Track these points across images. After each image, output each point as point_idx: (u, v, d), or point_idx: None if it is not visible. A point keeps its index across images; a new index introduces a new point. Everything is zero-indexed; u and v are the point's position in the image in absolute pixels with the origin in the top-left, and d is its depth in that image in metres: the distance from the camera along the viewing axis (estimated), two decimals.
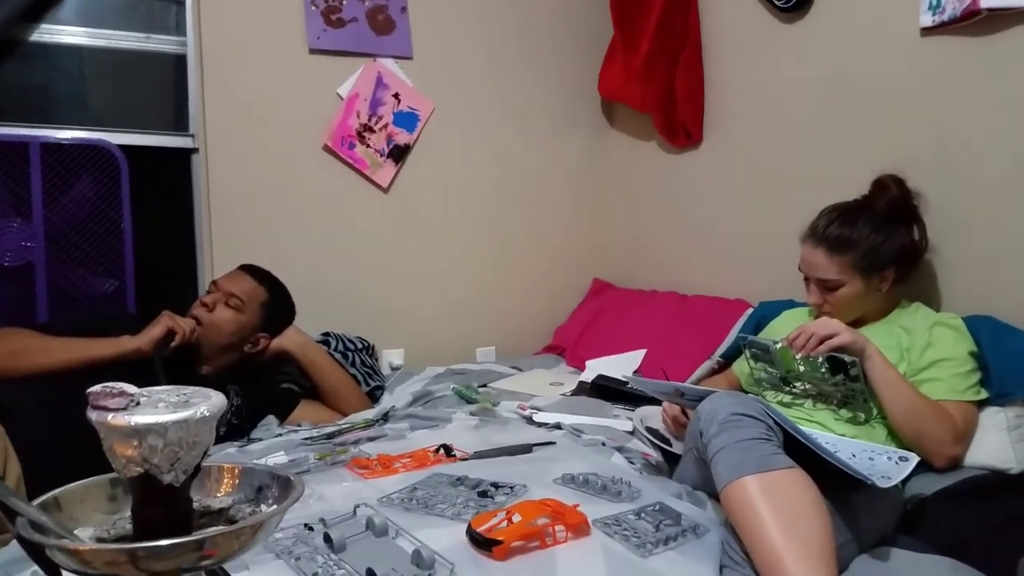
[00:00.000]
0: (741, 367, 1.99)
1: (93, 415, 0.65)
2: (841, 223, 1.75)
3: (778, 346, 1.74)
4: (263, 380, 2.26)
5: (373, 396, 2.44)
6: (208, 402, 0.67)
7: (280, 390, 2.27)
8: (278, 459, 1.73)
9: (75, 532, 0.71)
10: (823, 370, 1.68)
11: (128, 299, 2.36)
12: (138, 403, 0.66)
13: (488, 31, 2.94)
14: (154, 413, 0.65)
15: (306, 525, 1.28)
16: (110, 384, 0.66)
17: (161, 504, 0.68)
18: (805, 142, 2.30)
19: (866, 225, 1.74)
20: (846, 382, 1.64)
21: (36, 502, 0.70)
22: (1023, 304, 1.73)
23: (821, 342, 1.59)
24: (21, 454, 1.56)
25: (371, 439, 1.87)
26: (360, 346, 2.58)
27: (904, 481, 1.47)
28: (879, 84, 2.06)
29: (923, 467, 1.56)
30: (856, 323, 1.76)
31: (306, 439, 1.88)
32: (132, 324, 1.96)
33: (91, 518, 0.73)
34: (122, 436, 0.65)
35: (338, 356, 2.44)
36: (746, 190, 2.55)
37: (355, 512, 1.34)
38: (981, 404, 1.65)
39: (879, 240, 1.73)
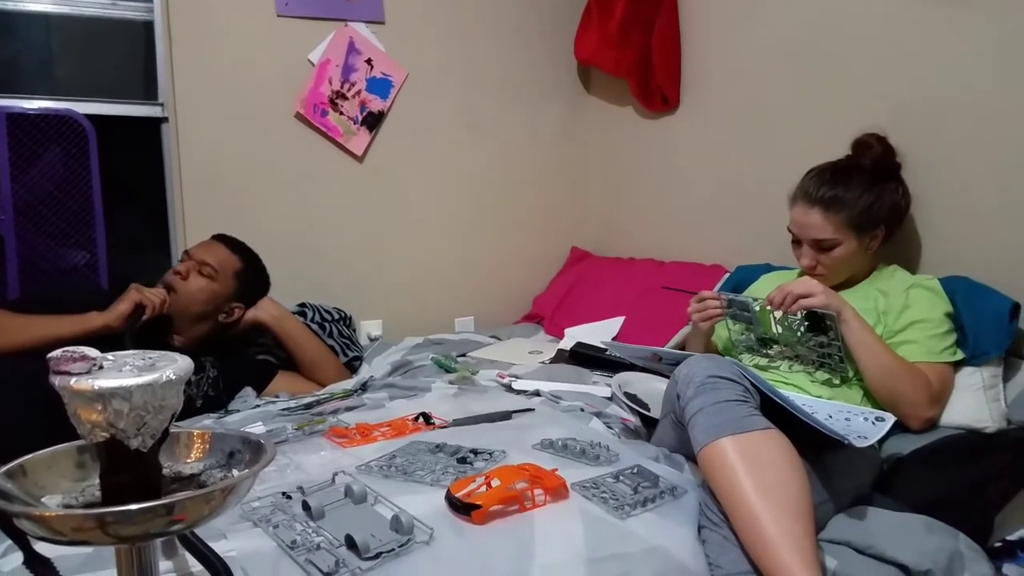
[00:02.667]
0: (718, 332, 1.99)
1: (56, 380, 0.64)
2: (834, 183, 1.74)
3: (758, 304, 1.74)
4: (239, 352, 2.25)
5: (351, 367, 2.43)
6: (174, 365, 0.66)
7: (257, 362, 2.25)
8: (256, 429, 1.72)
9: (43, 500, 0.69)
10: (801, 330, 1.68)
11: (100, 271, 2.33)
12: (101, 367, 0.65)
13: None
14: (118, 377, 0.63)
15: (284, 494, 1.28)
16: (71, 348, 0.64)
17: (129, 469, 0.66)
18: (782, 105, 2.29)
19: (859, 184, 1.73)
20: (825, 344, 1.65)
21: (1, 470, 0.68)
22: (998, 264, 1.74)
23: (797, 300, 1.60)
24: None
25: (349, 409, 1.86)
26: (337, 317, 2.57)
27: (881, 441, 1.48)
28: (856, 45, 2.05)
29: (899, 427, 1.57)
30: (836, 287, 1.76)
31: (284, 410, 1.86)
32: (105, 299, 1.93)
33: (59, 485, 0.72)
34: (86, 400, 0.63)
35: (315, 327, 2.42)
36: (723, 155, 2.54)
37: (334, 480, 1.33)
38: (957, 365, 1.66)
39: (872, 198, 1.72)
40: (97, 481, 0.71)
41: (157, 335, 1.99)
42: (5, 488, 0.65)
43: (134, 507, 0.62)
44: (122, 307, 1.86)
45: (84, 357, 0.64)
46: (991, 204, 1.77)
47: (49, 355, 0.64)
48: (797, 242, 1.80)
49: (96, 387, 0.62)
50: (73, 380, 0.63)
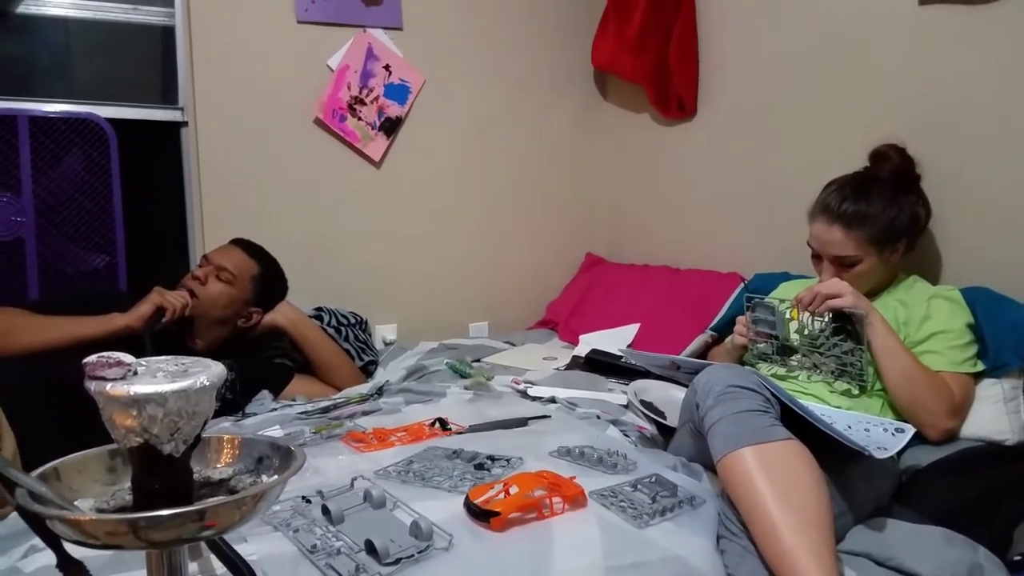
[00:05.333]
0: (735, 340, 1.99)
1: (91, 385, 0.64)
2: (856, 198, 1.72)
3: (785, 305, 1.74)
4: (256, 355, 2.26)
5: (367, 371, 2.44)
6: (208, 372, 0.67)
7: (274, 365, 2.26)
8: (273, 433, 1.73)
9: (75, 503, 0.70)
10: (827, 332, 1.68)
11: (120, 274, 2.34)
12: (135, 373, 0.65)
13: (479, 1, 2.91)
14: (153, 383, 0.64)
15: (304, 498, 1.28)
16: (106, 354, 0.65)
17: (161, 474, 0.67)
18: (800, 113, 2.29)
19: (880, 198, 1.72)
20: (848, 349, 1.64)
21: (35, 473, 0.69)
22: (1019, 275, 1.74)
23: (825, 301, 1.61)
24: (15, 431, 1.55)
25: (366, 413, 1.87)
26: (353, 321, 2.57)
27: (899, 453, 1.47)
28: (874, 52, 2.05)
29: (918, 439, 1.57)
30: None
31: (301, 413, 1.87)
32: (123, 301, 1.95)
33: (90, 489, 0.73)
34: (121, 406, 0.64)
35: (331, 331, 2.43)
36: (740, 162, 2.54)
37: (352, 485, 1.34)
38: (977, 376, 1.66)
39: (894, 212, 1.71)
40: (127, 485, 0.72)
41: (177, 339, 2.00)
42: (39, 491, 0.66)
43: (167, 512, 0.63)
44: (143, 309, 1.88)
45: (119, 363, 0.64)
46: (1012, 214, 1.77)
47: (85, 360, 0.65)
48: (817, 257, 1.80)
49: (132, 393, 0.63)
50: (109, 385, 0.64)
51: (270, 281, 2.20)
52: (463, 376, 2.25)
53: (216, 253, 2.14)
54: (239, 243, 2.19)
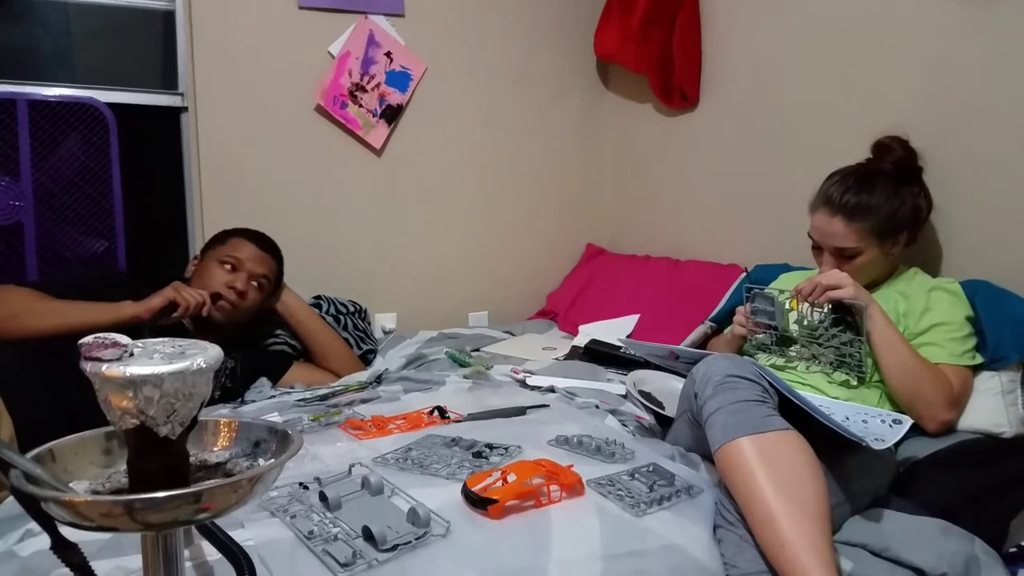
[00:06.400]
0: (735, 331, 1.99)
1: (87, 366, 0.64)
2: (858, 190, 1.72)
3: (784, 296, 1.74)
4: (255, 342, 2.26)
5: (366, 359, 2.44)
6: (205, 354, 0.66)
7: (273, 352, 2.26)
8: (272, 420, 1.72)
9: (70, 485, 0.70)
10: (827, 323, 1.67)
11: (119, 259, 2.33)
12: (132, 354, 0.65)
13: None
14: (150, 364, 0.64)
15: (301, 484, 1.28)
16: (102, 335, 0.65)
17: (157, 457, 0.67)
18: (803, 104, 2.28)
19: (883, 190, 1.71)
20: (847, 340, 1.64)
21: (30, 454, 0.69)
22: (1019, 268, 1.73)
23: (825, 292, 1.61)
24: (12, 415, 1.55)
25: (364, 401, 1.87)
26: (352, 309, 2.57)
27: (897, 444, 1.47)
28: (877, 44, 2.03)
29: (916, 430, 1.57)
30: None
31: (300, 401, 1.87)
32: (121, 283, 1.94)
33: (86, 471, 0.72)
34: (117, 387, 0.64)
35: (330, 319, 2.43)
36: (743, 153, 2.53)
37: (350, 471, 1.33)
38: (976, 369, 1.66)
39: (896, 204, 1.71)
40: (124, 467, 0.71)
41: (185, 334, 1.99)
42: (33, 472, 0.66)
43: (162, 494, 0.63)
44: (154, 302, 1.85)
45: (115, 344, 0.64)
46: (1013, 207, 1.76)
47: (80, 341, 0.65)
48: (818, 248, 1.79)
49: (127, 374, 0.63)
50: (105, 366, 0.63)
51: (281, 274, 2.24)
52: (462, 365, 2.25)
53: (249, 260, 2.11)
54: (258, 241, 2.16)
